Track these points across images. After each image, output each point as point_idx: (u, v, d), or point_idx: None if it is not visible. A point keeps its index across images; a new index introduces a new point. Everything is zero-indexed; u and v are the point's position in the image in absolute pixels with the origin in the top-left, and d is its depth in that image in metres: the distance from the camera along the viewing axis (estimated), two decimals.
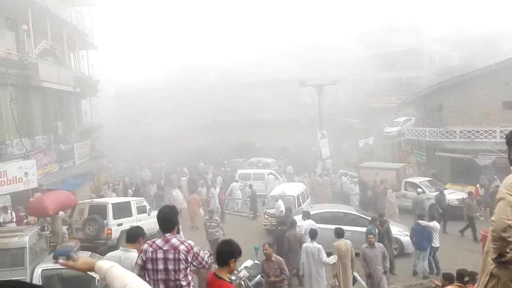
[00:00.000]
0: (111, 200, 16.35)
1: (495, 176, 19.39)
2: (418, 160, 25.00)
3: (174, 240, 4.51)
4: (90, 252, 10.24)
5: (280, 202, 16.66)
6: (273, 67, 37.88)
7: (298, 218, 12.97)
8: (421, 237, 12.18)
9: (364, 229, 11.96)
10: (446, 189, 19.39)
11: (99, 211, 14.29)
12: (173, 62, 45.77)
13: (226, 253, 4.28)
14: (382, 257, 9.69)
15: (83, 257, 2.62)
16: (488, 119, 22.10)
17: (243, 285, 9.08)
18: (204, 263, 4.70)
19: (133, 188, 23.74)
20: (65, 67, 23.39)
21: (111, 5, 52.54)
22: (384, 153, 30.50)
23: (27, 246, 8.55)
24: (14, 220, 14.56)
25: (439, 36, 46.75)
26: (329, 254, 9.90)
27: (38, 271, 8.36)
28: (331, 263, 9.89)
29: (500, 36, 35.10)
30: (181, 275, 4.46)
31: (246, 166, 30.34)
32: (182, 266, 4.44)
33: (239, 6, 56.91)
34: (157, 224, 4.76)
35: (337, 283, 9.92)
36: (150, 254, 4.48)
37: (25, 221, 15.07)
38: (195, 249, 4.56)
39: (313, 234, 10.22)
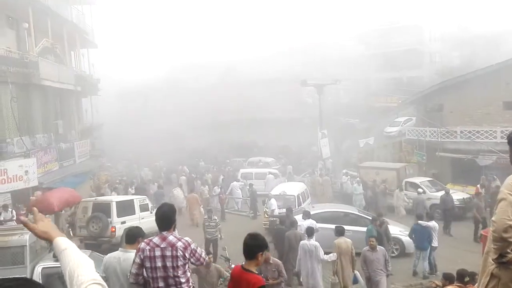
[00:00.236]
0: (115, 198, 16.53)
1: (495, 176, 19.38)
2: (418, 160, 24.98)
3: (171, 238, 4.52)
4: (90, 251, 10.23)
5: (273, 201, 16.81)
6: (274, 67, 37.86)
7: (298, 218, 12.97)
8: (422, 237, 12.18)
9: (365, 229, 11.99)
10: (449, 190, 19.25)
11: (103, 209, 14.47)
12: (174, 61, 45.75)
13: (254, 246, 4.26)
14: (383, 260, 9.62)
15: (46, 223, 2.26)
16: (489, 119, 22.06)
17: None
18: (201, 260, 4.73)
19: (134, 187, 23.76)
20: (65, 65, 23.39)
21: (112, 3, 52.43)
22: (385, 153, 30.49)
23: (27, 244, 8.55)
24: (15, 218, 14.57)
25: (439, 36, 46.71)
26: (330, 254, 9.92)
27: (38, 269, 8.36)
28: (329, 260, 9.94)
29: (501, 36, 35.03)
30: (180, 272, 4.47)
31: (246, 166, 30.34)
32: (180, 263, 4.46)
33: (240, 6, 56.89)
34: None
35: (337, 280, 9.94)
36: (148, 252, 4.49)
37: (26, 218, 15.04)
38: (192, 246, 4.58)
39: (310, 231, 10.29)
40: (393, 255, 13.22)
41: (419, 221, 12.47)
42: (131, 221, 14.65)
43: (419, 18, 44.41)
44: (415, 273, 12.31)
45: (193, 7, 66.34)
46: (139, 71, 43.76)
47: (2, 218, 14.32)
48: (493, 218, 2.65)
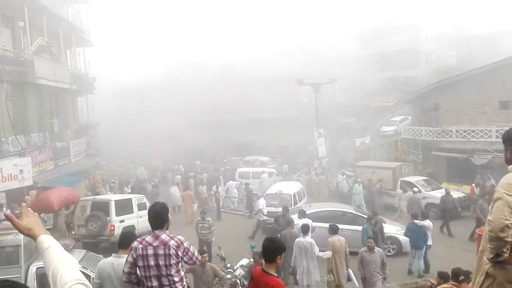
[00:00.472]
0: (113, 197, 16.62)
1: (490, 175, 19.45)
2: (414, 159, 25.05)
3: (163, 236, 4.51)
4: (85, 251, 10.21)
5: (261, 201, 16.85)
6: (271, 66, 37.84)
7: (294, 217, 12.98)
8: (417, 236, 12.22)
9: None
10: (450, 190, 19.21)
11: (101, 208, 14.54)
12: (171, 60, 45.64)
13: (273, 250, 4.50)
14: (380, 262, 9.52)
15: (31, 219, 2.20)
16: (485, 119, 22.15)
17: (239, 284, 9.05)
18: (194, 258, 4.72)
19: (130, 186, 23.72)
20: (61, 64, 23.29)
21: (108, 2, 52.24)
22: (381, 152, 30.57)
23: (22, 244, 8.51)
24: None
25: (436, 35, 46.90)
26: (325, 251, 9.99)
27: (33, 269, 8.32)
28: (324, 257, 9.99)
29: (497, 36, 35.19)
30: (173, 270, 4.46)
31: (241, 165, 30.33)
32: (173, 261, 4.44)
33: (238, 5, 56.83)
34: None
35: (333, 278, 9.97)
36: (140, 251, 4.48)
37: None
38: (185, 244, 4.57)
39: (305, 229, 10.34)
40: (390, 254, 13.24)
41: (415, 220, 12.50)
42: (129, 219, 14.89)
43: (416, 18, 44.54)
44: (410, 272, 12.35)
45: (190, 5, 66.27)
46: (135, 70, 43.61)
47: None
48: (489, 218, 2.64)
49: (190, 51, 46.34)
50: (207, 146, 36.42)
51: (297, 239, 10.29)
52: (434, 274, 8.95)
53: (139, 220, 14.84)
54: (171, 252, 4.43)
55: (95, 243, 14.28)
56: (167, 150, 34.55)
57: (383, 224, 13.33)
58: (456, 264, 7.99)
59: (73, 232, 14.54)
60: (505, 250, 2.57)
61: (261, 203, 16.71)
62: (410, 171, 23.57)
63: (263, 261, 4.61)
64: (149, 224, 4.74)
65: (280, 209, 14.44)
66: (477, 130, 21.66)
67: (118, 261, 5.21)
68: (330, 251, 9.85)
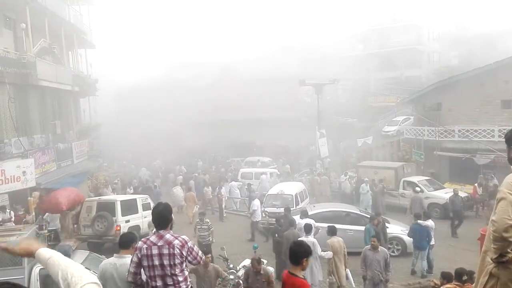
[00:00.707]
0: (119, 197, 16.74)
1: (493, 175, 19.39)
2: (416, 159, 25.00)
3: (168, 236, 4.53)
4: (88, 251, 10.21)
5: (256, 201, 16.89)
6: (272, 66, 37.85)
7: (296, 217, 12.94)
8: (420, 236, 12.18)
9: None
10: (458, 191, 19.07)
11: (107, 208, 14.69)
12: (172, 60, 45.72)
13: (300, 253, 4.70)
14: (384, 262, 9.41)
15: (25, 243, 2.36)
16: (487, 118, 22.10)
17: (242, 284, 9.04)
18: (198, 258, 4.73)
19: (133, 187, 23.78)
20: (63, 65, 23.31)
21: (110, 3, 52.39)
22: (383, 152, 30.53)
23: None
24: (13, 219, 14.56)
25: (438, 35, 46.83)
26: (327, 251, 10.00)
27: (36, 270, 8.31)
28: (326, 257, 9.97)
29: (499, 35, 35.13)
30: (177, 270, 4.47)
31: (243, 165, 30.35)
32: (177, 261, 4.46)
33: (239, 5, 56.88)
34: None
35: (334, 280, 9.95)
36: (145, 251, 4.49)
37: (24, 219, 15.11)
38: (189, 244, 4.59)
39: (307, 228, 10.36)
40: (394, 254, 13.22)
41: (418, 221, 12.45)
42: (134, 219, 15.10)
43: (418, 18, 44.50)
44: (413, 272, 12.31)
45: (192, 6, 66.35)
46: (137, 71, 43.71)
47: (0, 219, 14.28)
48: (493, 218, 2.63)
49: (191, 52, 46.46)
50: (208, 146, 36.45)
51: (299, 239, 10.26)
52: (437, 274, 8.91)
53: (144, 220, 15.02)
54: (175, 252, 4.44)
55: (99, 243, 14.42)
56: (169, 150, 34.61)
57: (387, 225, 13.30)
58: (459, 264, 7.97)
59: (79, 233, 14.63)
60: (509, 250, 2.56)
61: (256, 204, 16.78)
62: (412, 171, 23.53)
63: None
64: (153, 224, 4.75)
65: (282, 209, 14.42)
66: (480, 129, 21.61)
67: (120, 262, 5.21)
68: (331, 252, 9.88)
